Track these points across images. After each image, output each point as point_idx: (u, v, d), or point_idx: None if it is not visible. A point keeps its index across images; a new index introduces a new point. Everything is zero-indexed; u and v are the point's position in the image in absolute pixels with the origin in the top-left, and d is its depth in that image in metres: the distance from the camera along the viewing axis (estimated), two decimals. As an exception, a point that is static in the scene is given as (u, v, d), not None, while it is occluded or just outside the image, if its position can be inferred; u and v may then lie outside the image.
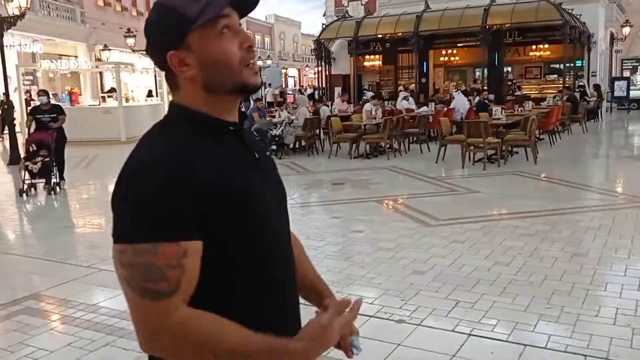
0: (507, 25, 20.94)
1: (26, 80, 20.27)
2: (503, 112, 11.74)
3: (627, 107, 24.64)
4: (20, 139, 12.77)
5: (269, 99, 29.47)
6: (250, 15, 1.27)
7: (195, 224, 1.03)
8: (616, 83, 25.56)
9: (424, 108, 15.28)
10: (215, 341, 1.03)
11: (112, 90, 18.90)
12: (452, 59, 25.96)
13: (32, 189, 9.01)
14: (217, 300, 1.09)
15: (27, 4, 11.91)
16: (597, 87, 21.30)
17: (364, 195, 8.20)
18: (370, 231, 6.22)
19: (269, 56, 42.31)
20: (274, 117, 13.75)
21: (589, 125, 17.10)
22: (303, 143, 13.14)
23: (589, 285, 4.42)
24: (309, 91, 30.47)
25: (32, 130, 9.32)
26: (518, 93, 22.60)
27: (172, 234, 1.02)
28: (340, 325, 1.09)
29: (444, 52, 25.37)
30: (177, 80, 1.15)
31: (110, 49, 24.04)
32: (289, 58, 53.66)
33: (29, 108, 9.63)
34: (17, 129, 12.82)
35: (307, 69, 52.92)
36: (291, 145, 12.91)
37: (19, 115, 15.47)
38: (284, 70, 50.71)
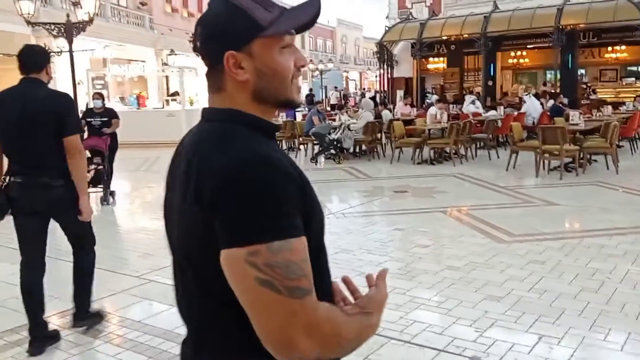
0: (581, 25, 19.82)
1: (97, 84, 20.71)
2: (581, 117, 10.90)
3: None
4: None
5: (333, 101, 29.12)
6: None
7: (302, 220, 1.02)
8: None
9: (492, 112, 14.53)
10: (344, 329, 1.05)
11: (176, 93, 18.99)
12: (520, 61, 24.87)
13: None
14: None
15: (95, 10, 11.99)
16: (681, 91, 19.74)
17: (428, 205, 7.67)
18: (436, 246, 5.70)
19: (330, 59, 42.04)
20: (334, 120, 13.36)
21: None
22: (364, 147, 12.67)
23: (699, 322, 3.77)
24: (370, 94, 29.90)
25: (85, 135, 9.05)
26: (593, 97, 21.36)
27: (297, 229, 0.99)
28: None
29: (512, 54, 24.35)
30: (224, 81, 1.11)
31: (176, 54, 24.36)
32: (350, 61, 53.29)
33: (82, 111, 9.17)
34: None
35: (368, 72, 52.36)
36: (350, 150, 12.47)
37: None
38: (344, 74, 50.36)
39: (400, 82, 24.10)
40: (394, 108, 17.73)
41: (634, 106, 15.78)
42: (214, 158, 1.02)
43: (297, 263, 0.97)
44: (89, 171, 8.01)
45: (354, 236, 6.08)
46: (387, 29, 23.71)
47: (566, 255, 5.24)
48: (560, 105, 13.63)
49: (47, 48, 4.56)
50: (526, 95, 15.55)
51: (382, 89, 25.63)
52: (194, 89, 24.26)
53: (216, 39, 1.09)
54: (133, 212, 8.60)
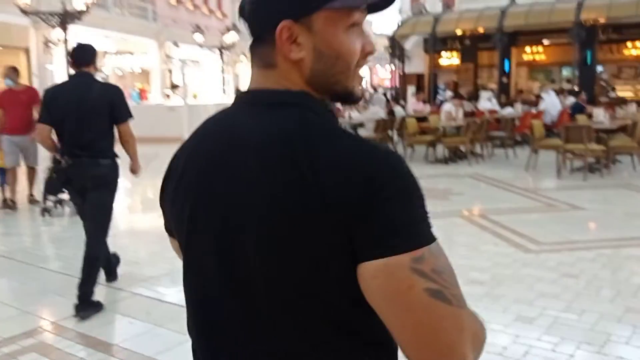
0: (602, 20, 19.14)
1: (99, 77, 20.22)
2: (606, 116, 10.28)
3: None
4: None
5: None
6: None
7: None
8: None
9: (509, 109, 13.90)
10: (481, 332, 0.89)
11: (176, 86, 18.50)
12: (536, 57, 24.20)
13: (58, 206, 7.21)
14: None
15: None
16: None
17: (443, 208, 7.11)
18: (456, 256, 5.14)
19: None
20: (342, 117, 12.80)
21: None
22: (375, 145, 12.08)
23: None
24: (381, 91, 29.34)
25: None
26: (612, 95, 20.69)
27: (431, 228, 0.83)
28: None
29: (527, 49, 23.69)
30: (274, 57, 0.90)
31: (178, 46, 23.85)
32: (361, 57, 52.56)
33: None
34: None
35: (377, 67, 51.71)
36: None
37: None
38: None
39: (412, 78, 23.52)
40: (405, 104, 17.15)
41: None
42: (345, 155, 0.82)
43: (451, 266, 0.83)
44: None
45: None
46: (399, 23, 23.07)
47: (602, 268, 4.68)
48: (581, 103, 13.00)
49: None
50: (545, 92, 14.90)
51: (393, 84, 25.08)
52: (198, 83, 23.85)
53: (271, 4, 0.89)
54: (128, 212, 8.10)
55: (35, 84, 13.72)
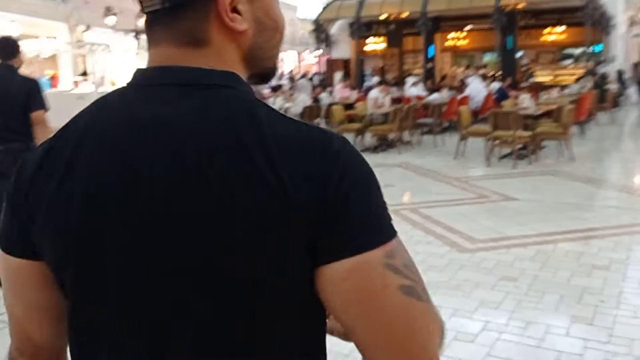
0: (521, 5, 19.36)
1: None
2: (532, 101, 10.17)
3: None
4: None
5: (273, 83, 27.89)
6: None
7: None
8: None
9: (436, 95, 13.70)
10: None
11: (85, 73, 17.23)
12: (459, 42, 24.42)
13: None
14: None
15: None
16: (620, 73, 19.67)
17: (374, 202, 6.66)
18: (387, 258, 4.68)
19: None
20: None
21: (614, 115, 15.46)
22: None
23: None
24: (308, 77, 28.80)
25: None
26: (532, 79, 21.07)
27: None
28: None
29: (451, 35, 23.83)
30: (208, 31, 0.74)
31: (91, 29, 22.34)
32: (286, 42, 51.91)
33: None
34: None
35: (305, 54, 51.22)
36: None
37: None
38: (281, 55, 49.04)
39: (339, 64, 23.13)
40: (332, 91, 16.70)
41: (578, 89, 15.34)
42: (302, 144, 0.68)
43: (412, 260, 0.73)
44: None
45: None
46: (323, 6, 22.56)
47: (542, 268, 4.34)
48: (506, 88, 12.96)
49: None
50: (470, 77, 14.82)
51: (319, 70, 24.66)
52: (113, 69, 22.48)
53: None
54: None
55: None
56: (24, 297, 0.80)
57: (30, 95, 4.15)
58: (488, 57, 24.48)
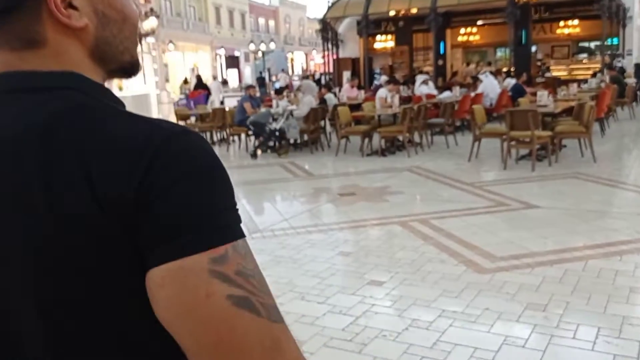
0: (535, -1, 18.76)
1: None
2: (550, 98, 9.56)
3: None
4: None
5: (282, 83, 27.58)
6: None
7: None
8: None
9: (447, 93, 13.11)
10: None
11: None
12: (471, 38, 23.82)
13: None
14: None
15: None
16: (638, 67, 18.93)
17: (380, 214, 6.13)
18: (395, 281, 4.13)
19: (272, 40, 40.13)
20: (271, 106, 11.67)
21: (633, 110, 14.73)
22: (306, 138, 11.03)
23: None
24: (316, 77, 28.29)
25: None
26: (548, 75, 20.41)
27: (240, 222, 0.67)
28: None
29: (462, 30, 23.23)
30: (42, 31, 0.70)
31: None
32: (294, 42, 51.44)
33: None
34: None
35: (314, 52, 50.72)
36: (292, 141, 10.79)
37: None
38: (289, 55, 48.62)
39: (347, 63, 22.64)
40: (339, 91, 16.16)
41: (596, 83, 14.68)
42: (119, 137, 0.64)
43: (261, 271, 0.66)
44: None
45: (283, 268, 4.46)
46: (329, 4, 22.05)
47: (573, 292, 3.78)
48: (522, 84, 12.36)
49: None
50: (483, 74, 14.21)
51: (327, 70, 24.16)
52: None
53: None
54: None
55: None
56: None
57: None
58: (501, 53, 23.89)
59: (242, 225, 0.66)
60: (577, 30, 21.70)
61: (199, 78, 18.52)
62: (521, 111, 8.35)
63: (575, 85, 12.91)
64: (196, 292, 0.60)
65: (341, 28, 22.53)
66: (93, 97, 0.70)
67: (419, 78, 15.30)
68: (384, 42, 23.38)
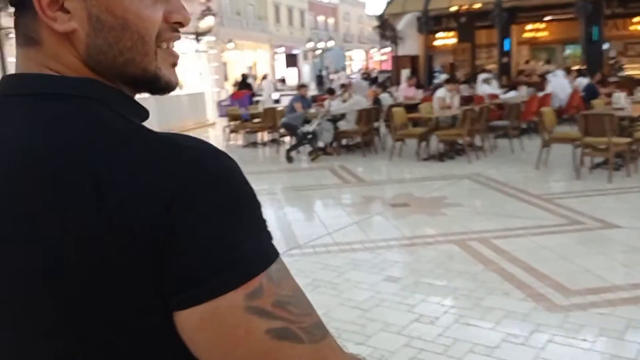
0: (609, -9, 17.53)
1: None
2: (628, 100, 8.64)
3: None
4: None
5: (342, 81, 27.18)
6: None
7: None
8: None
9: (512, 93, 12.24)
10: None
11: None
12: (538, 34, 22.60)
13: None
14: None
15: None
16: None
17: (435, 229, 5.51)
18: (449, 318, 3.54)
19: (330, 38, 39.68)
20: (322, 107, 11.17)
21: None
22: (358, 140, 10.46)
23: None
24: (373, 75, 27.63)
25: None
26: (621, 74, 19.06)
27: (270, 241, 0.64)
28: None
29: (529, 26, 22.07)
30: (39, 31, 0.67)
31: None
32: (354, 40, 50.84)
33: None
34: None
35: (373, 50, 50.00)
36: (321, 145, 10.15)
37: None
38: (348, 53, 48.10)
39: (406, 61, 21.92)
40: (397, 90, 15.51)
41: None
42: (140, 166, 0.59)
43: (299, 288, 0.64)
44: None
45: (320, 296, 3.94)
46: (389, 1, 21.39)
47: (670, 343, 3.08)
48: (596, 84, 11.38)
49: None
50: (551, 72, 13.24)
51: (382, 68, 23.52)
52: (186, 72, 22.54)
53: None
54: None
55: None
56: None
57: None
58: (570, 50, 22.59)
59: (276, 241, 0.63)
60: (654, 25, 20.24)
61: (243, 77, 17.67)
62: (597, 115, 7.51)
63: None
64: (235, 331, 0.59)
65: (400, 25, 21.84)
66: (112, 110, 0.66)
67: (480, 77, 14.44)
68: (445, 39, 22.51)
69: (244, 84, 16.41)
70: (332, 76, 32.92)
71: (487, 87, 13.25)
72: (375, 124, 10.50)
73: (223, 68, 34.43)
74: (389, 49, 22.23)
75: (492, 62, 20.57)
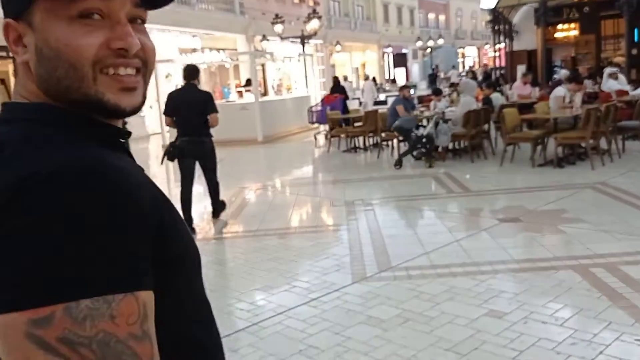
0: None
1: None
2: None
3: None
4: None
5: (453, 79, 26.18)
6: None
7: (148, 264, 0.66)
8: None
9: (644, 89, 10.88)
10: None
11: (249, 82, 16.86)
12: (675, 22, 20.31)
13: None
14: None
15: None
16: None
17: (551, 251, 4.77)
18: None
19: (440, 35, 38.41)
20: (429, 108, 10.52)
21: None
22: (465, 144, 9.71)
23: None
24: (486, 72, 26.26)
25: None
26: None
27: (137, 277, 0.64)
28: None
29: (664, 13, 19.89)
30: (15, 63, 0.80)
31: (268, 39, 22.47)
32: (466, 37, 49.02)
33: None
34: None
35: (486, 47, 47.96)
36: (440, 148, 9.49)
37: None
38: (460, 50, 46.45)
39: (522, 56, 20.56)
40: (510, 88, 14.43)
41: None
42: (9, 170, 0.65)
43: (124, 341, 0.60)
44: None
45: (409, 331, 3.41)
46: (502, -7, 20.13)
47: None
48: None
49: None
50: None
51: (498, 64, 22.22)
52: (294, 77, 22.73)
53: (4, 5, 0.77)
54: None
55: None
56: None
57: (207, 102, 6.02)
58: None
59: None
60: None
61: (335, 80, 17.04)
62: None
63: None
64: (13, 353, 0.59)
65: (516, 18, 20.52)
66: (53, 127, 0.71)
67: (606, 71, 13.03)
68: (566, 31, 20.83)
69: (336, 87, 15.94)
70: (442, 74, 31.85)
71: (614, 83, 11.91)
72: (485, 126, 9.70)
73: (332, 71, 34.41)
74: (502, 45, 20.89)
75: (620, 55, 18.75)
